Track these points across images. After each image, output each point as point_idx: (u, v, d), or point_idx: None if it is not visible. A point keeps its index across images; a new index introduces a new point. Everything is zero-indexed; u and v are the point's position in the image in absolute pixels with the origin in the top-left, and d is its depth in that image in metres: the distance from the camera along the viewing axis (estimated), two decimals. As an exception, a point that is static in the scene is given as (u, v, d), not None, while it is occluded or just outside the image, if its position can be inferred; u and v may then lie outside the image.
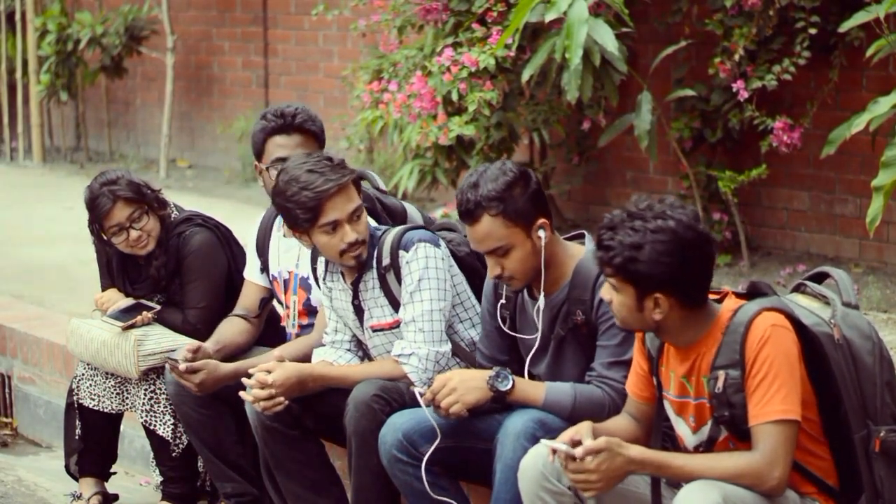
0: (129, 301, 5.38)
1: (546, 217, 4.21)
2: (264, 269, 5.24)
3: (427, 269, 4.55)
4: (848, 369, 3.75)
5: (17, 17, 12.32)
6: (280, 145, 4.99)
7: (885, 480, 3.74)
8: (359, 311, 4.71)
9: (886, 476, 3.74)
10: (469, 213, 4.17)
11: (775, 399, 3.62)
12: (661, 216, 3.66)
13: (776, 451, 3.61)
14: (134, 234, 5.28)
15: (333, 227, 4.54)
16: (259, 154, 5.06)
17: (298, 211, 4.52)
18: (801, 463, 3.73)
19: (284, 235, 5.12)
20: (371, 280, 4.66)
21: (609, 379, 4.16)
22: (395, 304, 4.63)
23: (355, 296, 4.69)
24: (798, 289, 3.99)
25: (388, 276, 4.62)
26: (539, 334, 4.27)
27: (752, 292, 3.83)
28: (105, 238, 5.34)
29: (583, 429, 3.73)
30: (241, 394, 4.61)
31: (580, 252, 4.26)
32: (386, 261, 4.61)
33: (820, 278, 3.98)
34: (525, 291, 4.35)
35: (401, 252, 4.59)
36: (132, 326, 5.25)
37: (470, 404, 4.20)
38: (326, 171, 4.53)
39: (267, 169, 5.00)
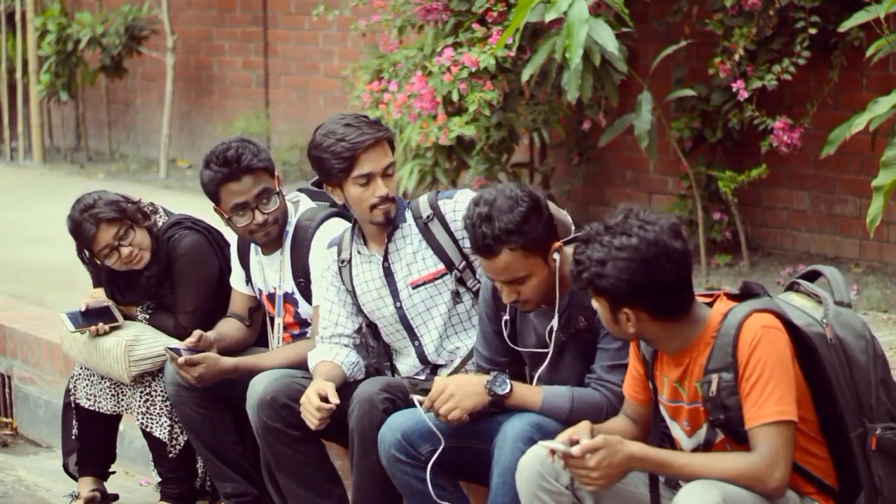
0: (100, 303, 5.36)
1: (557, 238, 4.20)
2: (249, 280, 5.25)
3: None
4: (842, 368, 3.75)
5: (17, 17, 12.32)
6: (234, 192, 5.00)
7: (884, 478, 3.74)
8: (389, 276, 4.72)
9: (885, 474, 3.74)
10: (487, 248, 4.10)
11: (770, 401, 3.62)
12: (627, 232, 3.67)
13: (776, 452, 3.61)
14: (125, 251, 5.24)
15: (367, 179, 4.61)
16: (215, 200, 5.06)
17: (334, 161, 4.60)
18: (800, 463, 3.73)
19: (265, 254, 5.13)
20: (409, 236, 4.69)
21: (608, 382, 4.16)
22: (440, 253, 4.66)
23: (385, 258, 4.71)
24: (792, 287, 3.99)
25: (431, 226, 4.67)
26: (550, 351, 4.26)
27: (745, 293, 3.83)
28: (99, 262, 5.31)
29: (581, 429, 3.73)
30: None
31: None
32: (427, 212, 4.67)
33: (813, 276, 3.98)
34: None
35: (443, 200, 4.67)
36: (82, 331, 5.26)
37: (468, 410, 4.20)
38: (363, 125, 4.64)
39: (230, 218, 5.02)
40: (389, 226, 4.69)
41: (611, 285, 3.67)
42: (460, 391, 4.20)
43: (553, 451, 3.66)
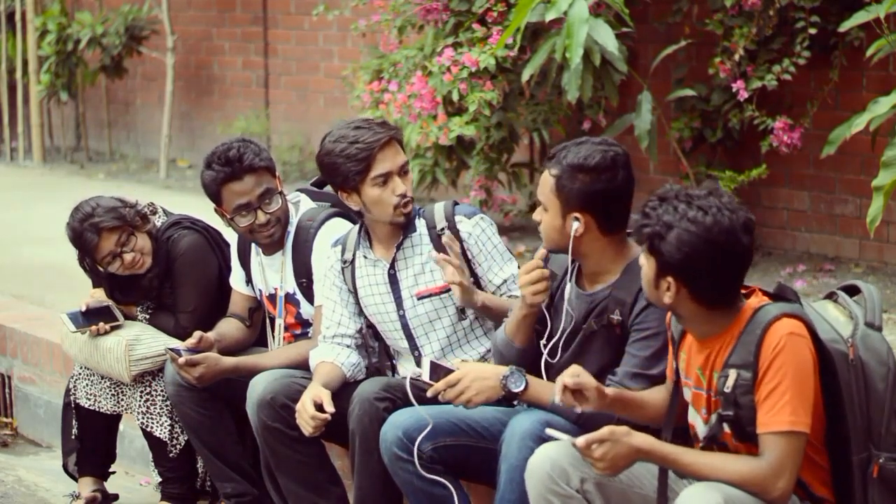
0: (100, 302, 5.36)
1: (590, 214, 4.12)
2: (249, 281, 5.24)
3: (499, 236, 4.69)
4: (857, 391, 3.71)
5: (17, 17, 12.32)
6: (237, 192, 4.98)
7: None
8: (394, 283, 4.71)
9: (880, 502, 3.71)
10: (548, 158, 4.21)
11: (785, 410, 3.60)
12: (704, 209, 3.64)
13: (782, 461, 3.60)
14: (128, 257, 5.24)
15: (385, 179, 4.58)
16: (217, 201, 5.05)
17: (350, 164, 4.57)
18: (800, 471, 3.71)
19: (266, 254, 5.12)
20: (419, 246, 4.67)
21: (628, 389, 4.13)
22: None
23: (392, 265, 4.69)
24: (830, 296, 3.94)
25: (444, 239, 4.62)
26: (562, 324, 4.24)
27: (778, 295, 3.80)
28: (102, 270, 5.30)
29: (569, 372, 3.78)
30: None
31: (635, 254, 4.16)
32: (441, 224, 4.65)
33: (854, 290, 3.91)
34: (574, 279, 4.30)
35: (459, 218, 4.65)
36: (83, 331, 5.26)
37: (478, 404, 4.20)
38: (374, 126, 4.62)
39: (233, 219, 5.01)
40: (409, 226, 4.66)
41: (666, 251, 3.65)
42: (476, 384, 4.18)
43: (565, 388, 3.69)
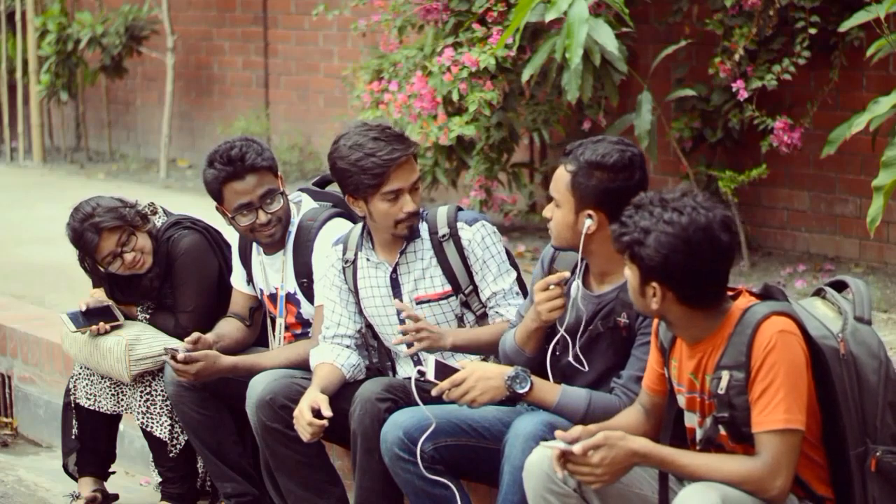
0: (100, 302, 5.36)
1: (603, 212, 4.11)
2: (250, 280, 5.24)
3: (501, 244, 4.66)
4: (850, 385, 3.70)
5: (17, 17, 12.33)
6: (238, 192, 4.98)
7: (878, 500, 3.70)
8: (395, 287, 4.70)
9: (879, 496, 3.70)
10: (564, 154, 4.19)
11: (779, 408, 3.59)
12: (680, 209, 3.64)
13: (779, 460, 3.59)
14: (128, 257, 5.23)
15: (395, 195, 4.56)
16: (218, 199, 5.04)
17: (363, 176, 4.54)
18: (797, 469, 3.71)
19: (267, 254, 5.12)
20: (420, 251, 4.66)
21: (632, 392, 4.11)
22: (449, 275, 4.63)
23: (394, 269, 4.69)
24: (818, 293, 3.95)
25: (445, 246, 4.63)
26: (565, 321, 4.23)
27: (765, 294, 3.80)
28: (103, 270, 5.30)
29: (574, 432, 3.72)
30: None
31: None
32: (443, 231, 4.64)
33: (842, 286, 3.92)
34: (580, 279, 4.30)
35: (461, 224, 4.63)
36: (83, 331, 5.25)
37: (483, 403, 4.19)
38: (392, 140, 4.57)
39: (234, 218, 5.01)
40: (411, 238, 4.66)
41: (647, 255, 3.65)
42: (481, 384, 4.17)
43: (560, 455, 3.64)
